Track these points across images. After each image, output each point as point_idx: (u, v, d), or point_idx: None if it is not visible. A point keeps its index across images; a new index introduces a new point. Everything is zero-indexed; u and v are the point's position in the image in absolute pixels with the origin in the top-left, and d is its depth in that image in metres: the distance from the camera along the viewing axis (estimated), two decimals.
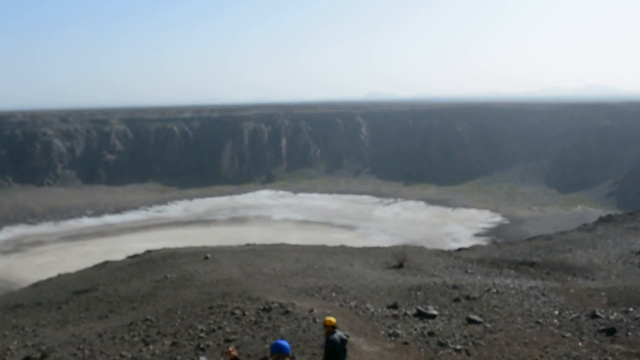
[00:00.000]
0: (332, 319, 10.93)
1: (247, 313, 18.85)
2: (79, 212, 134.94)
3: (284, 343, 8.00)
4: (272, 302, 19.53)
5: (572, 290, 22.80)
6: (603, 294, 22.10)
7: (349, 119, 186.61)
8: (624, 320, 17.85)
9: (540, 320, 18.01)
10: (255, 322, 17.66)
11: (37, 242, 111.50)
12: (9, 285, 77.61)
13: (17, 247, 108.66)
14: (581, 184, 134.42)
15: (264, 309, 18.84)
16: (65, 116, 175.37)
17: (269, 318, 17.85)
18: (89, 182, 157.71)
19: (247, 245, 38.75)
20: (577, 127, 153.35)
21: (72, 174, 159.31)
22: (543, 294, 21.91)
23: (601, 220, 45.40)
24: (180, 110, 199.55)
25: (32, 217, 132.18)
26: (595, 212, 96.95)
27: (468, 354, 14.66)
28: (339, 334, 10.83)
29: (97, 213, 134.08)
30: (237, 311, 19.16)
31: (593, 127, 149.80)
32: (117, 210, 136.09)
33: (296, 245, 37.96)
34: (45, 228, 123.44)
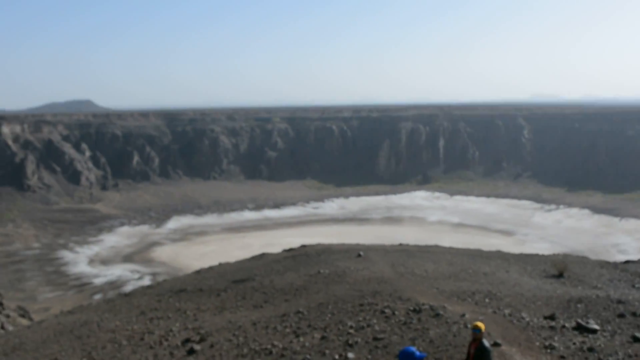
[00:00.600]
0: (482, 325, 10.63)
1: (396, 313, 18.76)
2: (241, 206, 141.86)
3: (412, 349, 7.80)
4: (423, 304, 19.30)
5: None
6: None
7: (510, 121, 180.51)
8: None
9: None
10: (405, 323, 17.53)
11: (202, 232, 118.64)
12: (175, 271, 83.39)
13: (184, 235, 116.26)
14: None
15: (414, 310, 18.67)
16: (231, 114, 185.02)
17: (419, 320, 17.65)
18: (251, 177, 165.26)
19: (400, 245, 38.61)
20: None
21: (236, 169, 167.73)
22: None
23: None
24: (339, 109, 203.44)
25: (198, 208, 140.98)
26: None
27: None
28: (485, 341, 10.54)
29: (258, 207, 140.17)
30: (387, 310, 19.14)
31: None
32: (276, 205, 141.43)
33: (450, 248, 37.22)
34: (209, 219, 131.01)
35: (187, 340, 19.53)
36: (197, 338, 19.40)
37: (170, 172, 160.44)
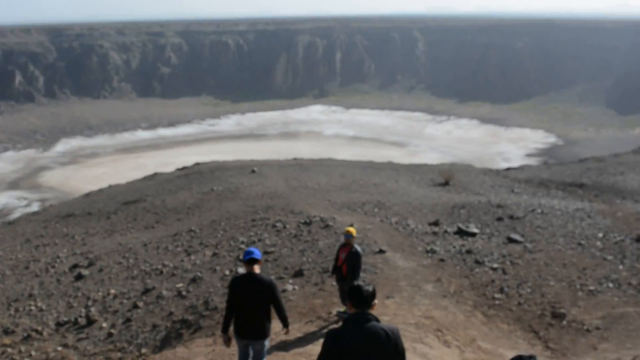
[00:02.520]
0: (354, 230, 10.82)
1: (287, 226, 19.10)
2: (134, 125, 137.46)
3: (253, 249, 7.67)
4: (314, 216, 19.70)
5: (619, 214, 22.30)
6: None
7: (405, 34, 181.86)
8: None
9: (582, 242, 17.73)
10: (295, 235, 17.89)
11: (93, 154, 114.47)
12: (65, 196, 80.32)
13: (73, 158, 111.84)
14: None
15: (305, 223, 19.05)
16: (121, 29, 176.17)
17: (309, 232, 18.05)
18: (144, 95, 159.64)
19: (294, 159, 38.95)
20: None
21: (128, 87, 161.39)
22: (589, 216, 21.51)
23: None
24: (235, 23, 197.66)
25: (88, 129, 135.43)
26: None
27: (504, 272, 14.61)
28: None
29: (151, 126, 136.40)
30: (278, 224, 19.44)
31: None
32: (171, 124, 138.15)
33: (343, 161, 37.96)
34: (101, 140, 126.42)
35: (75, 266, 19.16)
36: (86, 263, 19.07)
37: (57, 91, 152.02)
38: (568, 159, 68.31)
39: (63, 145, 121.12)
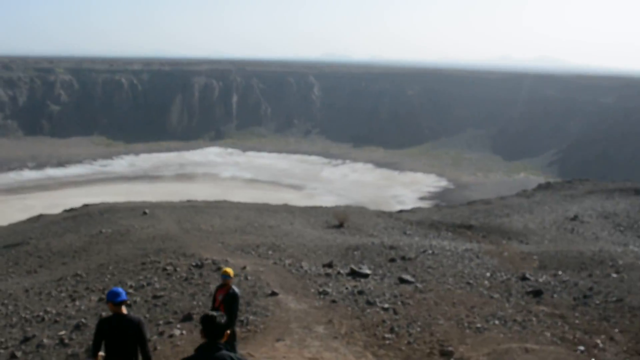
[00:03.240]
0: (230, 270, 10.57)
1: (178, 269, 18.58)
2: (20, 164, 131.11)
3: (119, 289, 7.52)
4: (206, 259, 19.30)
5: (505, 254, 23.26)
6: (535, 257, 22.63)
7: (301, 79, 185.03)
8: (552, 282, 18.30)
9: (471, 282, 18.30)
10: (186, 279, 17.42)
11: None
12: None
13: None
14: (525, 152, 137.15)
15: (196, 266, 18.61)
16: (8, 63, 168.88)
17: (200, 275, 17.64)
18: (32, 133, 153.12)
19: (188, 201, 38.24)
20: (525, 96, 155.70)
21: (14, 124, 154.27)
22: (477, 256, 22.28)
23: (540, 187, 46.50)
24: (129, 62, 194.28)
25: None
26: (536, 180, 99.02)
27: (395, 312, 14.74)
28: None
29: (39, 166, 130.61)
30: (169, 267, 18.88)
31: (540, 97, 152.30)
32: (60, 164, 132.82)
33: (237, 203, 37.63)
34: None
35: None
36: None
37: None
38: (458, 202, 70.97)
39: None
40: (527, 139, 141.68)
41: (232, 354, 5.32)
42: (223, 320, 5.47)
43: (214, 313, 5.51)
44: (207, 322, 5.43)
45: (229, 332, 5.52)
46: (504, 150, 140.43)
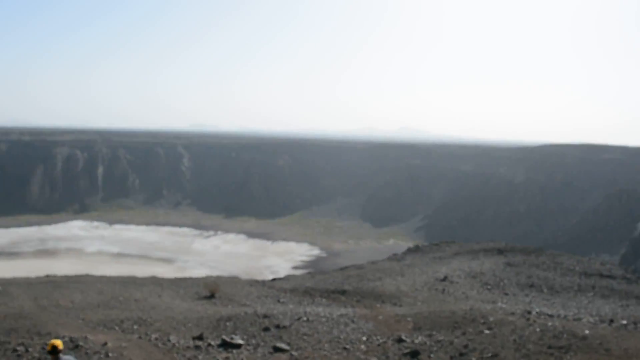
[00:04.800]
0: (58, 342, 9.48)
1: (30, 349, 16.68)
2: None
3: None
4: (63, 337, 17.53)
5: (380, 317, 23.00)
6: (409, 319, 22.51)
7: (170, 149, 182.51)
8: (427, 343, 18.14)
9: (347, 347, 17.77)
10: (39, 359, 15.63)
11: None
12: None
13: None
14: (393, 219, 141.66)
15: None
16: None
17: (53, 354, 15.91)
18: None
19: (47, 276, 35.45)
20: (390, 165, 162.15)
21: None
22: (353, 321, 21.85)
23: (409, 250, 47.39)
24: None
25: None
26: (405, 245, 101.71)
27: None
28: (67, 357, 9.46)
29: None
30: (20, 348, 16.93)
31: (405, 166, 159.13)
32: None
33: (102, 277, 35.28)
34: None
35: None
36: None
37: None
38: (331, 269, 71.24)
39: None
40: (394, 205, 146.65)
41: None
42: None
43: None
44: None
45: None
46: (373, 218, 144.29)
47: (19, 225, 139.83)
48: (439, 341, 18.32)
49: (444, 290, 31.32)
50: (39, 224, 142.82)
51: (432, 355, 16.61)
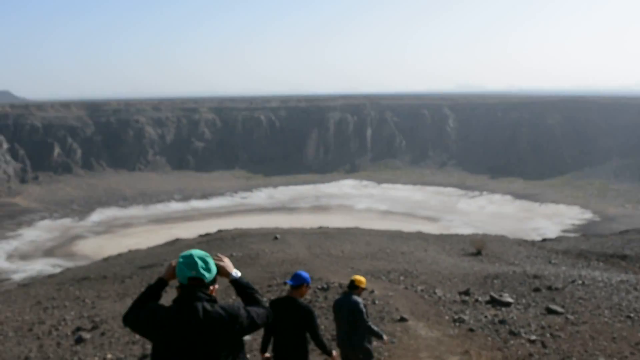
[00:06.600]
0: (362, 278, 9.04)
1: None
2: (168, 197, 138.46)
3: (305, 273, 7.46)
4: (332, 282, 18.38)
5: None
6: None
7: (435, 111, 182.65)
8: None
9: (632, 315, 15.97)
10: (310, 301, 16.53)
11: (127, 224, 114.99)
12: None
13: (108, 228, 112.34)
14: None
15: (322, 289, 17.71)
16: (157, 105, 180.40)
17: (325, 297, 16.70)
18: (178, 168, 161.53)
19: (319, 228, 37.84)
20: None
21: (162, 160, 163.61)
22: (635, 289, 19.71)
23: None
24: (267, 100, 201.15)
25: (123, 200, 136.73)
26: None
27: (544, 346, 12.95)
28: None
29: (185, 198, 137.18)
30: None
31: None
32: (204, 196, 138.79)
33: (370, 230, 36.67)
34: (135, 211, 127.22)
35: (77, 329, 17.95)
36: (90, 326, 17.86)
37: (94, 163, 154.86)
38: (608, 234, 65.80)
39: (98, 215, 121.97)
40: None
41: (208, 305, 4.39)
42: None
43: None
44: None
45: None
46: None
47: (296, 184, 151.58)
48: None
49: None
50: (313, 182, 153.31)
51: None
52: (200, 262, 4.55)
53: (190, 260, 4.59)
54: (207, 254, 4.69)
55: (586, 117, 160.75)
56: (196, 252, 4.65)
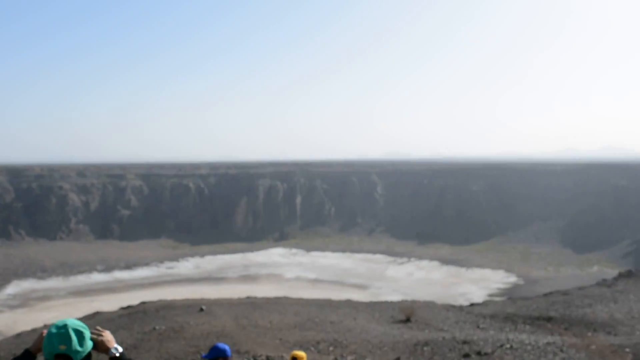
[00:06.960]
0: (302, 354, 8.84)
1: None
2: (89, 267, 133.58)
3: (223, 346, 6.83)
4: (260, 355, 17.77)
5: (593, 347, 20.77)
6: (628, 350, 20.09)
7: (364, 178, 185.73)
8: None
9: None
10: None
11: (45, 297, 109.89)
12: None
13: (24, 301, 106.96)
14: (597, 245, 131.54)
15: None
16: (82, 170, 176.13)
17: None
18: (102, 237, 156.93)
19: (247, 298, 36.98)
20: (593, 187, 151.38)
21: (86, 229, 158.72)
22: (562, 350, 19.94)
23: (621, 275, 43.43)
24: (197, 166, 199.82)
25: (42, 271, 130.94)
26: (612, 273, 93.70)
27: None
28: None
29: (108, 268, 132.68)
30: None
31: (609, 188, 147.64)
32: (128, 266, 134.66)
33: (298, 299, 36.12)
34: (54, 283, 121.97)
35: None
36: None
37: (12, 232, 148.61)
38: (533, 296, 67.19)
39: (13, 288, 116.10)
40: (597, 230, 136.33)
41: None
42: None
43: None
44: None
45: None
46: (575, 243, 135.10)
47: (224, 253, 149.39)
48: None
49: None
50: (242, 251, 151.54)
51: None
52: (74, 336, 3.99)
53: (63, 332, 4.00)
54: (85, 326, 4.10)
55: (507, 184, 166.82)
56: (72, 323, 4.08)
